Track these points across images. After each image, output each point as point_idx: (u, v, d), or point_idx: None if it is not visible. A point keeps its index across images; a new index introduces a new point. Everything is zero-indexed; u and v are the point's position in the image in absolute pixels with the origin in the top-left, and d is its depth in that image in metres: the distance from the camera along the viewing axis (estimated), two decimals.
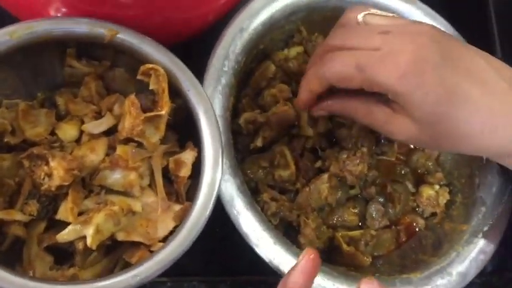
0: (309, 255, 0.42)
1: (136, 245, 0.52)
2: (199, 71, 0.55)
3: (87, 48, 0.55)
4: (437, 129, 0.47)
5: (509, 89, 0.48)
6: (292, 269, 0.43)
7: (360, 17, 0.52)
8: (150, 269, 0.46)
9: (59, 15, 0.54)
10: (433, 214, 0.64)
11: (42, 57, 0.54)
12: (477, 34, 0.67)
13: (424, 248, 0.62)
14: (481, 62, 0.48)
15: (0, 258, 0.49)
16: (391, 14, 0.52)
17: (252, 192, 0.57)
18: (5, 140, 0.52)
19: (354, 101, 0.51)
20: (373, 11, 0.52)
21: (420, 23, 0.49)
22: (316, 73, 0.51)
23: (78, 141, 0.54)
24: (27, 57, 0.53)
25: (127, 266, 0.51)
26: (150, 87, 0.52)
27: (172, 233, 0.52)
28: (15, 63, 0.53)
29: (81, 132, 0.54)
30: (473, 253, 0.58)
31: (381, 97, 0.49)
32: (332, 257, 0.59)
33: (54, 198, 0.51)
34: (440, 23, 0.64)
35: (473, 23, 0.72)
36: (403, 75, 0.45)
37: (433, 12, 0.65)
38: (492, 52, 0.68)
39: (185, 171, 0.54)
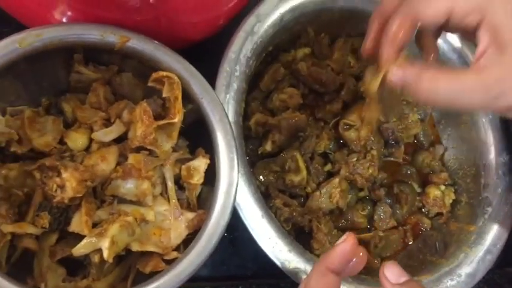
0: (348, 240, 0.42)
1: (148, 253, 0.51)
2: (206, 74, 0.53)
3: (94, 52, 0.53)
4: None
5: None
6: (331, 251, 0.43)
7: None
8: (170, 281, 0.46)
9: (64, 19, 0.52)
10: (439, 214, 0.65)
11: (47, 62, 0.52)
12: None
13: (430, 248, 0.63)
14: None
15: (9, 271, 0.49)
16: None
17: (263, 196, 0.57)
18: (12, 149, 0.51)
19: (440, 71, 0.45)
20: None
21: None
22: (407, 13, 0.46)
23: (87, 149, 0.53)
24: (33, 64, 0.51)
25: (140, 275, 0.51)
26: (164, 95, 0.51)
27: (185, 241, 0.52)
28: (20, 70, 0.51)
29: (91, 140, 0.52)
30: (481, 254, 0.59)
31: None
32: None
33: (66, 209, 0.49)
34: None
35: None
36: None
37: None
38: None
39: (198, 179, 0.53)
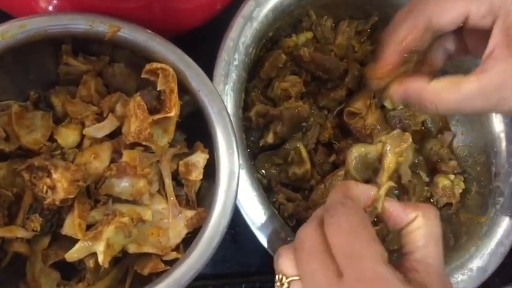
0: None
1: (146, 254, 0.49)
2: (202, 64, 0.50)
3: (83, 43, 0.50)
4: None
5: None
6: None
7: None
8: (170, 287, 0.43)
9: (50, 8, 0.48)
10: (448, 204, 0.62)
11: (35, 54, 0.49)
12: None
13: None
14: None
15: (0, 276, 0.46)
16: None
17: (265, 190, 0.54)
18: None
19: (442, 81, 0.45)
20: None
21: None
22: (419, 18, 0.45)
23: (79, 146, 0.50)
24: (19, 56, 0.48)
25: (138, 276, 0.49)
26: (158, 88, 0.48)
27: (185, 240, 0.49)
28: (6, 63, 0.48)
29: (82, 136, 0.49)
30: (493, 246, 0.57)
31: None
32: None
33: (58, 211, 0.47)
34: None
35: None
36: None
37: None
38: None
39: (196, 175, 0.50)
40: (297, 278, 0.39)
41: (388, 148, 0.45)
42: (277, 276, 0.41)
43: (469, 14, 0.44)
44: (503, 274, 0.65)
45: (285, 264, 0.40)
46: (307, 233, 0.39)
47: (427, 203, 0.43)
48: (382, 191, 0.42)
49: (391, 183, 0.44)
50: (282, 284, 0.40)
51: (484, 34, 0.44)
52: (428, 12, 0.45)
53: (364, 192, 0.42)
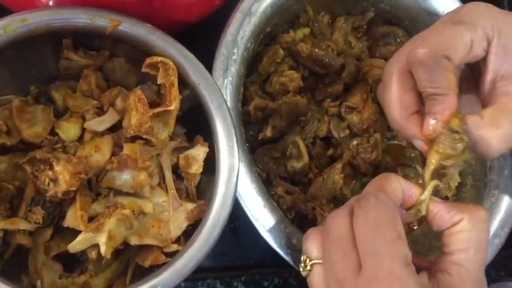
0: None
1: (147, 246, 0.49)
2: (202, 58, 0.51)
3: (84, 37, 0.50)
4: None
5: None
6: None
7: None
8: (171, 277, 0.44)
9: (50, 3, 0.49)
10: (444, 197, 0.63)
11: (35, 49, 0.50)
12: None
13: (436, 232, 0.61)
14: None
15: (2, 268, 0.47)
16: None
17: (264, 183, 0.55)
18: (0, 141, 0.48)
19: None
20: None
21: None
22: (437, 52, 0.41)
23: (79, 139, 0.50)
24: (20, 50, 0.48)
25: (140, 268, 0.49)
26: (158, 82, 0.48)
27: (186, 233, 0.50)
28: (6, 57, 0.48)
29: (83, 129, 0.50)
30: (488, 238, 0.57)
31: None
32: None
33: (60, 203, 0.47)
34: None
35: None
36: None
37: None
38: None
39: (196, 168, 0.51)
40: (320, 261, 0.39)
41: (434, 144, 0.42)
42: (302, 257, 0.41)
43: (473, 39, 0.42)
44: (499, 266, 0.66)
45: (311, 247, 0.40)
46: (336, 220, 0.39)
47: (477, 205, 0.40)
48: (427, 194, 0.41)
49: (436, 183, 0.42)
50: (306, 266, 0.41)
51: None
52: (442, 47, 0.42)
53: (406, 189, 0.41)
